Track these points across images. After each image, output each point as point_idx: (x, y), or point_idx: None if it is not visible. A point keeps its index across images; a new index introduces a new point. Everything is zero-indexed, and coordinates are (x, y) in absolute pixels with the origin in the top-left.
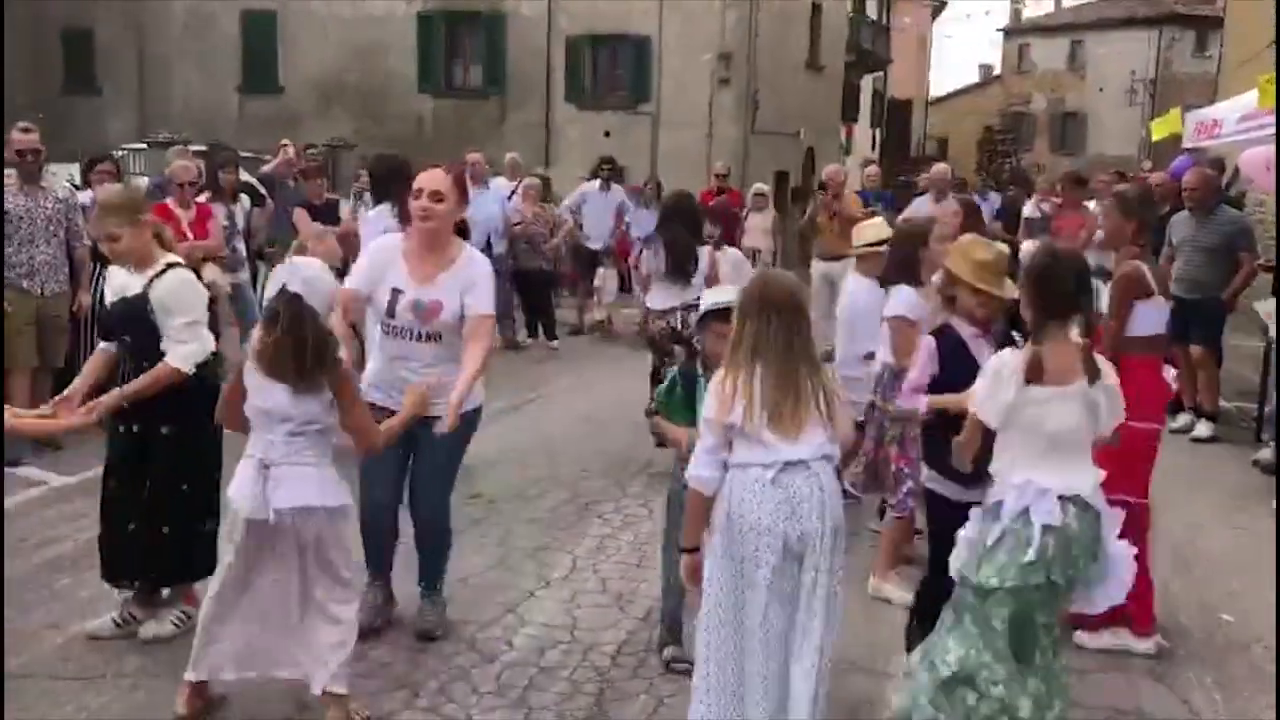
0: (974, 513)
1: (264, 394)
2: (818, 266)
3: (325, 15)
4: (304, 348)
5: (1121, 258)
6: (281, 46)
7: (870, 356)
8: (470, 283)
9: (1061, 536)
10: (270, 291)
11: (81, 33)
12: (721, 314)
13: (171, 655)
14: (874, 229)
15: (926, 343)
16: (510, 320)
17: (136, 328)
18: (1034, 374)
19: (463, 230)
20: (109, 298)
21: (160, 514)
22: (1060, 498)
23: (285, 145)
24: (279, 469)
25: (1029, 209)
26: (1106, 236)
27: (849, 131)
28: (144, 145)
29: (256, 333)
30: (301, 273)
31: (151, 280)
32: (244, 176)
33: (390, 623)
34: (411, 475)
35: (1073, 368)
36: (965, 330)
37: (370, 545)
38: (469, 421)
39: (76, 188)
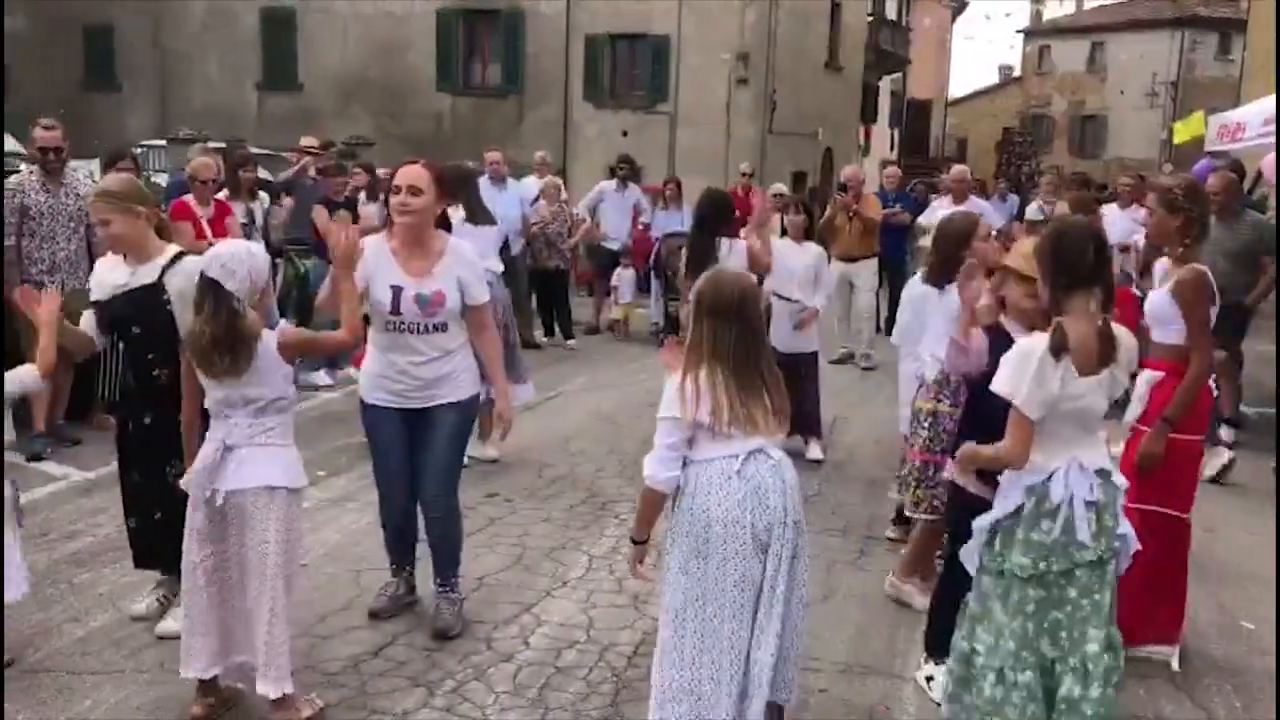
0: (1002, 498)
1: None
2: (836, 267)
3: (345, 13)
4: (222, 340)
5: (1176, 261)
6: (301, 44)
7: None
8: (463, 270)
9: (1098, 511)
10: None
11: (102, 29)
12: None
13: None
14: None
15: (981, 334)
16: (528, 319)
17: (152, 317)
18: (1059, 346)
19: (444, 224)
20: (102, 293)
21: (184, 501)
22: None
23: (304, 157)
24: (242, 450)
25: (1032, 210)
26: (1151, 233)
27: (867, 132)
28: (163, 142)
29: (189, 326)
30: (221, 258)
31: (165, 270)
32: (262, 174)
33: (407, 618)
34: (418, 463)
35: (1096, 345)
36: (1016, 331)
37: (391, 540)
38: (470, 406)
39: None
